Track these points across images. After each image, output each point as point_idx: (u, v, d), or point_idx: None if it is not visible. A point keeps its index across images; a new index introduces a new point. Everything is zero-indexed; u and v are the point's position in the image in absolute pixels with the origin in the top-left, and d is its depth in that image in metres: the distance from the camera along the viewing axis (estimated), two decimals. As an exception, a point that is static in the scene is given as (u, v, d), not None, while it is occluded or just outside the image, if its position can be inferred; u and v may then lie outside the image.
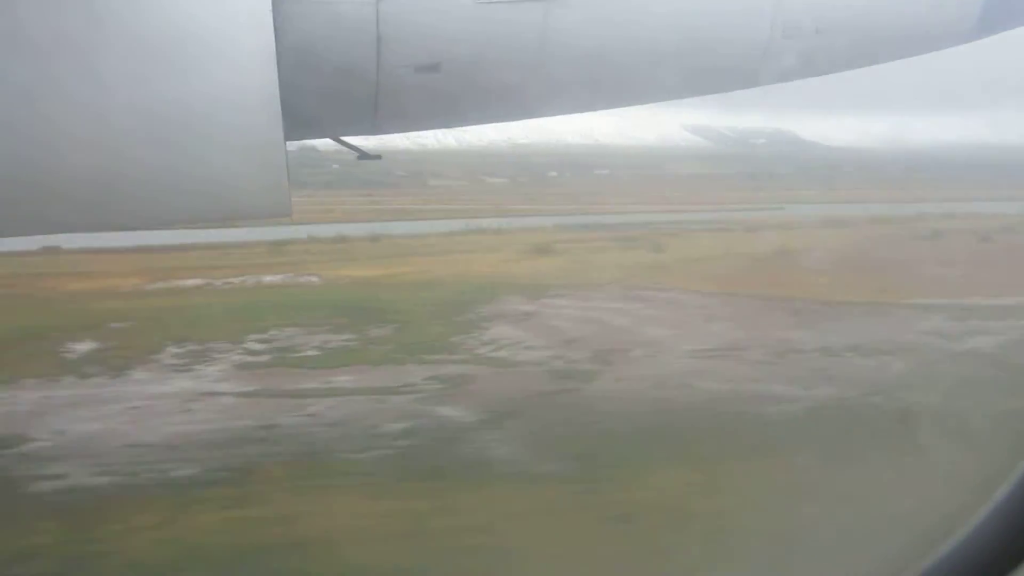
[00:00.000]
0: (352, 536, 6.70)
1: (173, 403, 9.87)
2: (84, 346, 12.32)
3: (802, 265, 18.68)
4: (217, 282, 18.19)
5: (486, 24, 5.94)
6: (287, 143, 5.62)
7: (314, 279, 18.83)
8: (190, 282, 18.25)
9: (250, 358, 11.87)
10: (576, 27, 6.09)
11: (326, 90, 5.93)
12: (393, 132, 6.66)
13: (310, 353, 12.01)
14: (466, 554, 6.27)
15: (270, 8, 5.19)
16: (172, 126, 5.32)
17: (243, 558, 6.40)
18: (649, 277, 17.78)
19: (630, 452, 8.02)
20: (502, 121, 6.98)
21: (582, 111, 7.04)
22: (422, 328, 13.55)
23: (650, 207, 34.58)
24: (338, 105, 6.14)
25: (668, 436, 8.52)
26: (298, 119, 5.76)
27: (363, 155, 6.51)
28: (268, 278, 18.52)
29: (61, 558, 6.46)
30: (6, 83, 4.98)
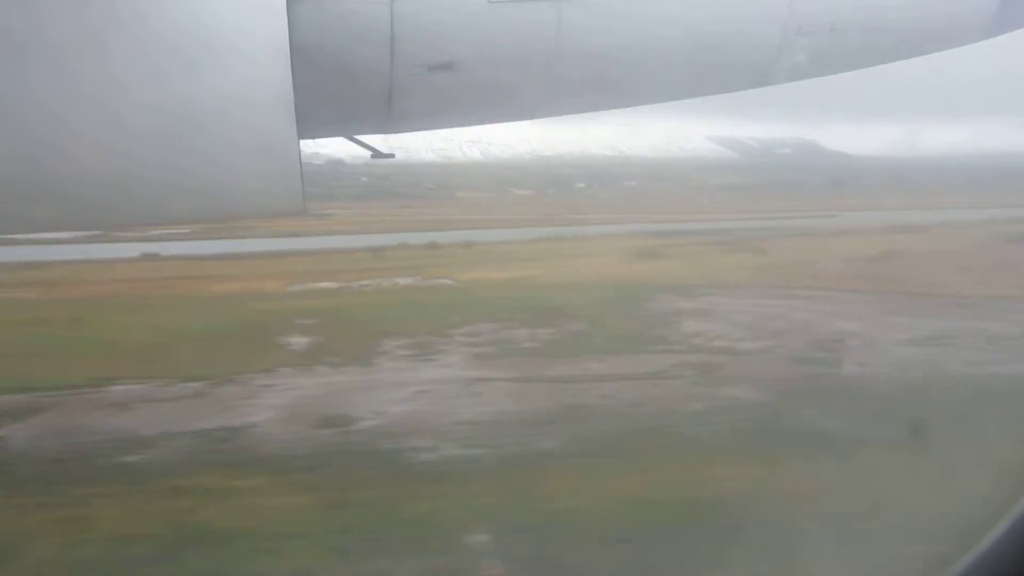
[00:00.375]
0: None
1: (455, 387, 10.34)
2: (299, 340, 12.80)
3: (919, 265, 19.43)
4: (352, 284, 18.68)
5: (499, 23, 5.96)
6: (301, 141, 5.68)
7: (447, 281, 19.25)
8: (325, 284, 18.78)
9: (476, 349, 12.23)
10: (589, 26, 6.09)
11: (340, 89, 5.97)
12: (406, 131, 6.69)
13: (529, 345, 12.44)
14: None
15: (284, 7, 5.24)
16: (187, 124, 5.37)
17: (712, 509, 6.73)
18: (778, 277, 18.33)
19: (954, 420, 8.14)
20: (515, 120, 6.99)
21: (594, 110, 7.04)
22: (613, 323, 13.95)
23: (709, 215, 35.29)
24: (352, 104, 6.17)
25: (972, 407, 8.65)
26: (312, 118, 5.80)
27: (377, 154, 6.54)
28: (401, 281, 18.92)
29: (545, 513, 6.83)
30: (24, 81, 5.06)
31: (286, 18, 5.25)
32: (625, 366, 11.06)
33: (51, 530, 6.74)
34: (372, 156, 6.54)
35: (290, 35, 5.28)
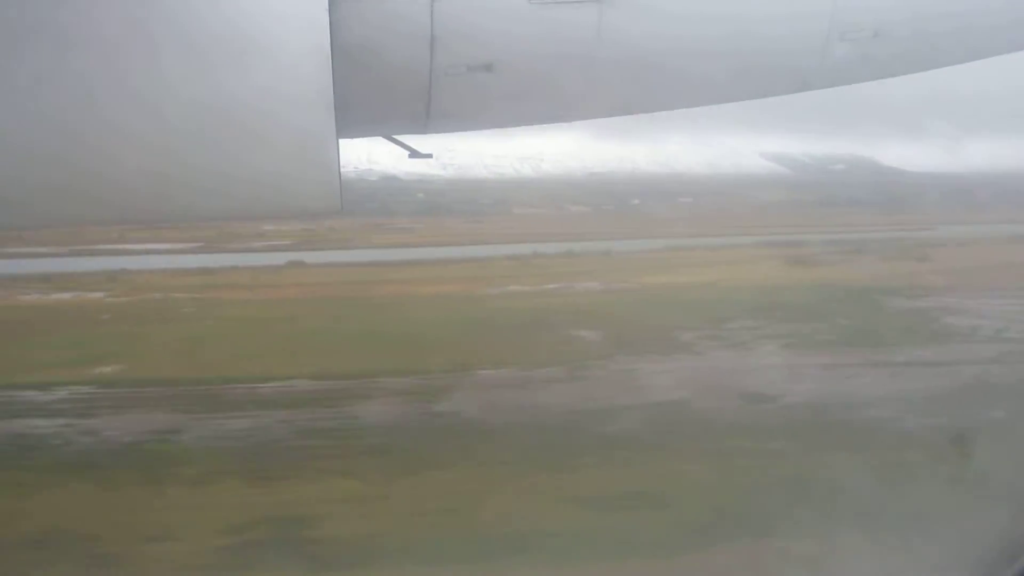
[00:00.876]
0: None
1: (819, 370, 12.22)
2: (585, 333, 14.76)
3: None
4: (546, 287, 20.80)
5: (540, 24, 5.94)
6: (340, 140, 5.71)
7: (629, 285, 21.18)
8: (520, 288, 20.88)
9: (777, 340, 14.09)
10: (629, 28, 6.04)
11: (379, 89, 5.99)
12: (445, 132, 6.70)
13: (826, 337, 14.32)
14: None
15: (326, 7, 5.27)
16: (227, 122, 5.43)
17: None
18: (973, 280, 20.18)
19: None
20: (554, 122, 6.96)
21: (634, 113, 6.97)
22: (880, 319, 16.03)
23: (805, 228, 36.45)
24: (391, 104, 6.19)
25: None
26: (351, 117, 5.83)
27: (414, 153, 6.55)
28: (582, 286, 20.77)
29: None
30: (69, 77, 5.17)
31: (327, 17, 5.28)
32: (951, 354, 13.01)
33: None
34: (410, 156, 6.56)
35: (331, 34, 5.31)
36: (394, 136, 6.48)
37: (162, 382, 12.44)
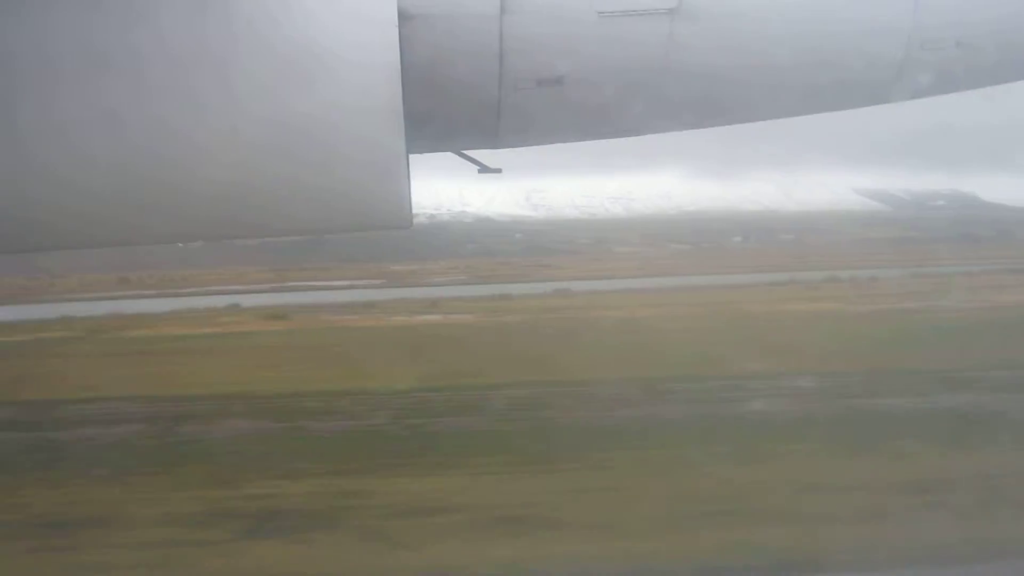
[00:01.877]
0: None
1: None
2: None
3: None
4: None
5: (610, 38, 5.89)
6: (410, 155, 5.76)
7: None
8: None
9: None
10: (702, 42, 5.94)
11: (449, 104, 6.03)
12: (514, 146, 6.68)
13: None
14: None
15: (396, 23, 5.34)
16: (299, 138, 5.54)
17: None
18: None
19: None
20: (623, 136, 6.88)
21: (705, 127, 6.83)
22: None
23: (933, 262, 40.05)
24: (460, 119, 6.22)
25: None
26: (420, 132, 5.88)
27: (484, 168, 6.56)
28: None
29: None
30: (145, 96, 5.35)
31: (398, 34, 5.35)
32: None
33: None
34: (479, 171, 6.57)
35: (401, 51, 5.38)
36: (463, 151, 6.52)
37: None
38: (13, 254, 6.36)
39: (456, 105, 6.06)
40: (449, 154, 6.64)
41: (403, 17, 5.41)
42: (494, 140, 6.40)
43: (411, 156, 5.82)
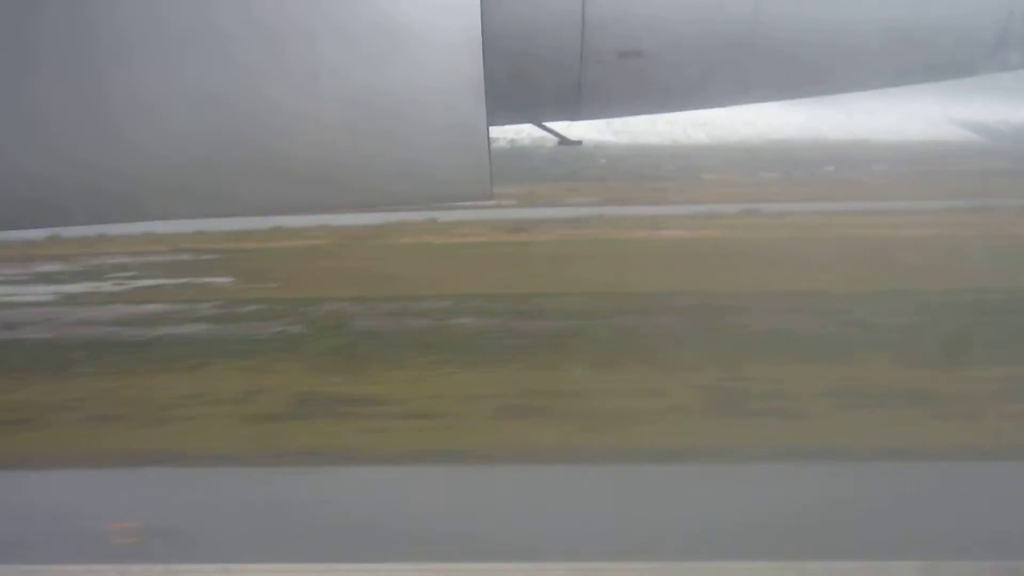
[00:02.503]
0: None
1: None
2: None
3: None
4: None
5: (692, 10, 5.79)
6: (490, 127, 5.80)
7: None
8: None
9: None
10: (786, 12, 5.78)
11: (529, 76, 6.01)
12: (594, 118, 6.64)
13: None
14: None
15: None
16: (382, 112, 5.61)
17: None
18: None
19: None
20: (704, 108, 6.76)
21: (789, 99, 6.67)
22: None
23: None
24: (541, 91, 6.21)
25: None
26: (501, 105, 5.90)
27: (564, 140, 6.56)
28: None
29: None
30: (234, 71, 5.49)
31: (479, 4, 5.35)
32: None
33: None
34: (559, 143, 6.57)
35: (482, 23, 5.38)
36: (543, 123, 6.52)
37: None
38: (109, 223, 6.67)
39: (537, 77, 6.04)
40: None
41: None
42: (574, 112, 6.37)
43: (491, 128, 5.87)
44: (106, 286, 49.54)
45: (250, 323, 37.40)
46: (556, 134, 6.55)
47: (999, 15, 5.75)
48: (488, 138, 5.82)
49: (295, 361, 30.14)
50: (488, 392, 24.33)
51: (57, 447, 20.39)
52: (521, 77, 5.99)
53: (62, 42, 5.42)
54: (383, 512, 15.13)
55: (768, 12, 5.70)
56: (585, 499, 15.57)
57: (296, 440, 20.66)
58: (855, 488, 15.85)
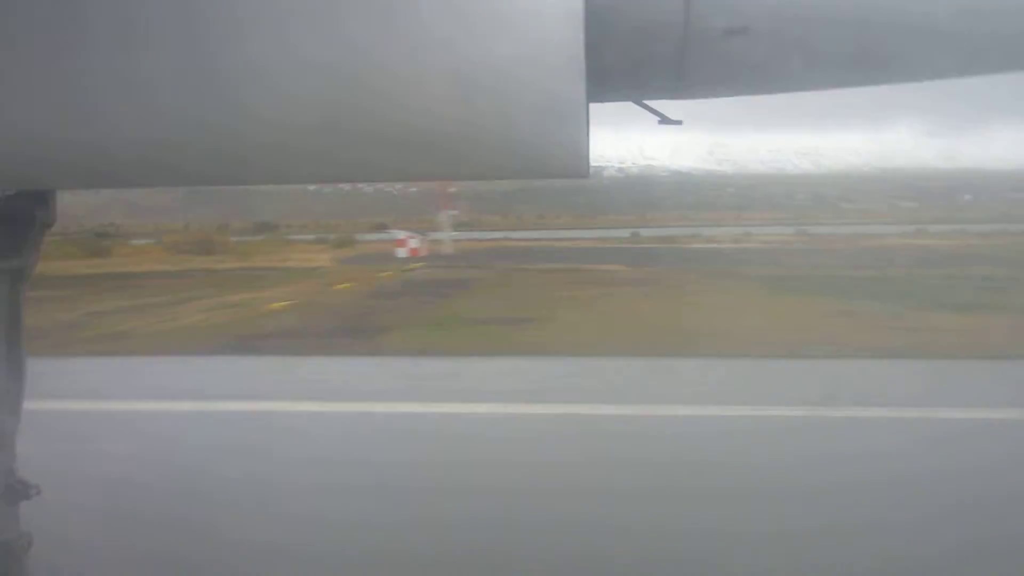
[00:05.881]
0: None
1: None
2: None
3: None
4: None
5: None
6: (590, 104, 5.78)
7: None
8: None
9: None
10: None
11: (631, 52, 5.97)
12: (695, 97, 6.54)
13: None
14: None
15: None
16: (481, 87, 5.65)
17: None
18: None
19: None
20: (808, 89, 6.58)
21: (895, 82, 6.43)
22: None
23: None
24: (643, 68, 6.16)
25: None
26: (602, 81, 5.88)
27: (664, 120, 6.49)
28: None
29: None
30: (336, 42, 5.60)
31: None
32: None
33: None
34: (659, 122, 6.50)
35: None
36: (644, 101, 6.47)
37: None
38: (219, 185, 6.92)
39: (639, 54, 5.99)
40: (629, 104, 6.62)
41: None
42: (676, 91, 6.30)
43: (591, 105, 5.85)
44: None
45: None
46: (657, 113, 6.49)
47: None
48: (588, 114, 5.80)
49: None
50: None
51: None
52: (623, 54, 5.97)
53: (175, 13, 5.68)
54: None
55: None
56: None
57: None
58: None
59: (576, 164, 6.12)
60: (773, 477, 9.98)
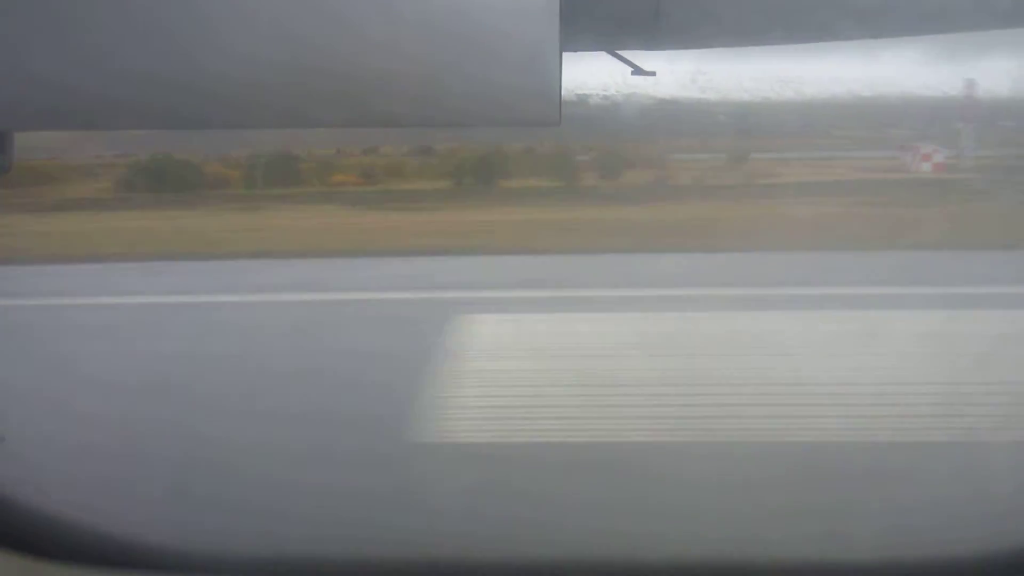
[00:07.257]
0: None
1: None
2: None
3: None
4: None
5: None
6: (564, 54, 5.68)
7: None
8: None
9: None
10: None
11: (606, 1, 5.88)
12: (671, 48, 6.46)
13: None
14: None
15: None
16: (453, 31, 5.52)
17: None
18: None
19: None
20: (787, 44, 6.51)
21: (887, 36, 6.36)
22: None
23: None
24: (617, 18, 6.05)
25: None
26: (576, 31, 5.76)
27: (638, 70, 6.40)
28: None
29: None
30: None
31: None
32: None
33: None
34: (633, 72, 6.42)
35: None
36: (618, 51, 6.37)
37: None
38: (189, 129, 6.82)
39: (614, 4, 5.89)
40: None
41: None
42: (650, 41, 6.21)
43: (564, 54, 5.75)
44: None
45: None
46: (630, 63, 6.39)
47: None
48: (560, 64, 5.70)
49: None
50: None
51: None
52: (597, 4, 5.85)
53: None
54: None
55: None
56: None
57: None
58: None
59: (547, 112, 6.03)
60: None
